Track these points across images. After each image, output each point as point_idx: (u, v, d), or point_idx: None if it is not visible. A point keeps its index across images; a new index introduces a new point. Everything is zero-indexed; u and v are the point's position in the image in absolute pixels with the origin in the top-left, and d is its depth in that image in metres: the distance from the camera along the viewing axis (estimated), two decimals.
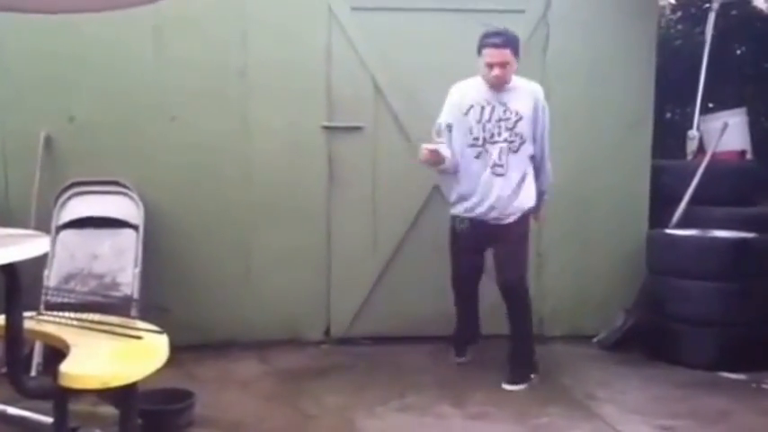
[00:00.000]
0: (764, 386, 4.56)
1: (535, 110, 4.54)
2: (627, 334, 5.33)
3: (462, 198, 4.65)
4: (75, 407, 3.09)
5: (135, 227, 4.74)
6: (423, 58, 5.29)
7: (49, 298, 4.01)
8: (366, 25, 5.23)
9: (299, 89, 5.20)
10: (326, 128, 5.23)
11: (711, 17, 6.08)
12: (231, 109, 5.14)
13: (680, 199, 5.44)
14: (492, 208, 4.53)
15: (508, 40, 4.41)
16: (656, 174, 5.67)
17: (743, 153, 5.95)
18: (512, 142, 4.51)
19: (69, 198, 4.78)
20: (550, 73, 5.45)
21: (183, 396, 3.81)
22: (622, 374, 4.83)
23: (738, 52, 7.35)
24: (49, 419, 3.14)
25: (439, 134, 4.64)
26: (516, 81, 4.56)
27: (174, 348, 2.79)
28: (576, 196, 5.54)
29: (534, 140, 4.59)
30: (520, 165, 4.55)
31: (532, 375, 4.59)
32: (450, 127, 4.62)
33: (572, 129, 5.49)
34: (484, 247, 4.67)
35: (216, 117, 5.12)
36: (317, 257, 5.31)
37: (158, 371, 2.61)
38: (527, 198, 4.59)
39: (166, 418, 3.68)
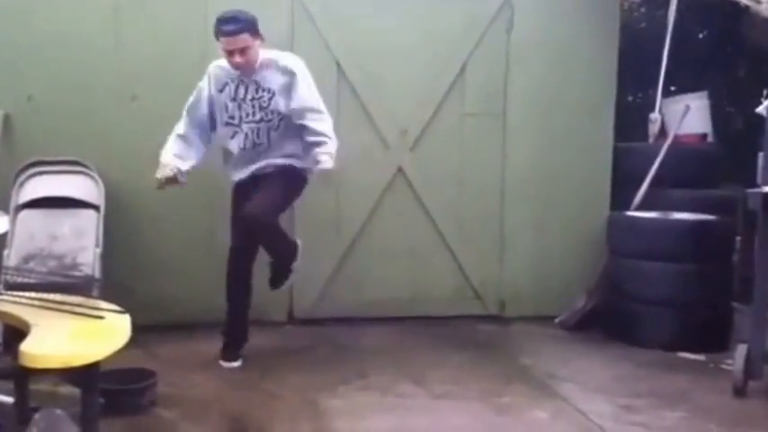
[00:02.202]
0: (723, 366, 4.63)
1: (288, 84, 4.34)
2: (588, 315, 5.40)
3: (231, 170, 4.57)
4: (36, 387, 3.06)
5: (96, 207, 4.69)
6: (386, 41, 5.29)
7: (8, 278, 3.96)
8: (330, 8, 5.20)
9: None
10: None
11: (674, 1, 6.12)
12: (193, 86, 5.06)
13: (641, 181, 5.49)
14: (256, 170, 4.47)
15: (242, 26, 4.20)
16: (618, 156, 5.73)
17: (704, 136, 6.02)
18: (269, 121, 4.39)
19: (29, 177, 4.71)
20: (514, 55, 5.49)
21: (146, 376, 3.80)
22: (584, 354, 4.88)
23: (700, 36, 7.41)
24: (9, 399, 3.12)
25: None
26: (269, 56, 4.37)
27: (137, 328, 2.75)
28: (537, 178, 5.59)
29: (296, 113, 4.40)
30: (282, 141, 4.43)
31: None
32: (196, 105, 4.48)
33: (534, 111, 5.55)
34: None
35: (177, 96, 5.02)
36: None
37: (120, 351, 2.58)
38: (297, 161, 4.50)
39: (128, 397, 3.66)
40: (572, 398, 4.04)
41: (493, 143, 5.53)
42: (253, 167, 4.47)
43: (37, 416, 2.63)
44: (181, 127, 4.46)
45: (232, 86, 4.39)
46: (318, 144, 4.36)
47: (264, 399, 3.95)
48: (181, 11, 5.06)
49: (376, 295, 5.33)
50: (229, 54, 4.25)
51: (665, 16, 6.19)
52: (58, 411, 2.65)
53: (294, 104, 4.35)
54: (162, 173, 4.29)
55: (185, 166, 4.36)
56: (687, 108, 5.79)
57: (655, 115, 6.09)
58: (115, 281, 4.29)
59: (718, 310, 5.08)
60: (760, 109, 4.29)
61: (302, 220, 5.25)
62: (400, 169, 5.40)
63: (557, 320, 5.49)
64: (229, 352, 4.54)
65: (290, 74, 4.35)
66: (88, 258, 4.52)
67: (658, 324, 5.00)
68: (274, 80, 4.36)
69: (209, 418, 3.69)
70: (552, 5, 5.53)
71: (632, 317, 5.11)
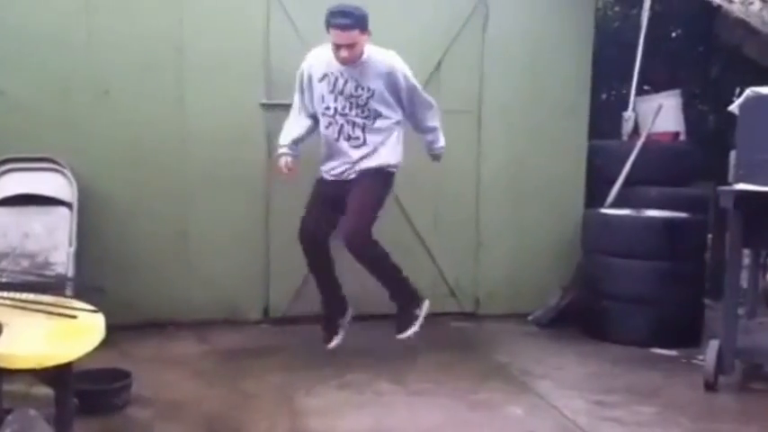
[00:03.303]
0: (695, 362, 4.68)
1: (391, 83, 4.43)
2: (562, 312, 5.42)
3: (324, 160, 4.64)
4: (9, 387, 3.03)
5: (68, 204, 4.63)
6: None
7: None
8: (306, 3, 5.16)
9: (237, 65, 5.13)
10: (265, 105, 5.18)
11: (647, 0, 6.17)
12: (167, 84, 5.03)
13: (615, 179, 5.53)
14: (348, 169, 4.54)
15: (355, 21, 4.23)
16: (592, 154, 5.76)
17: (677, 134, 6.07)
18: (366, 118, 4.46)
19: (0, 175, 4.65)
20: (489, 53, 5.50)
21: (120, 376, 3.78)
22: (558, 351, 4.91)
23: (674, 35, 7.47)
24: None
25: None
26: (369, 53, 4.40)
27: (111, 328, 2.74)
28: (512, 176, 5.62)
29: (402, 108, 4.55)
30: (377, 137, 4.49)
31: (417, 312, 4.65)
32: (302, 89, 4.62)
33: (509, 109, 5.57)
34: (340, 204, 4.52)
35: (151, 91, 5.01)
36: (256, 236, 5.27)
37: (94, 351, 2.57)
38: (387, 155, 4.53)
39: (103, 397, 3.64)
40: (547, 394, 4.07)
41: (468, 140, 5.54)
42: (339, 168, 4.55)
43: (10, 417, 2.61)
44: (292, 110, 4.70)
45: (331, 78, 4.44)
46: (435, 140, 4.80)
47: (240, 398, 3.94)
48: (154, 4, 5.01)
49: (352, 293, 5.30)
50: (336, 47, 4.29)
51: (639, 15, 6.24)
52: (32, 412, 2.64)
53: (405, 102, 4.53)
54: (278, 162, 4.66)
55: (292, 148, 4.63)
56: (660, 107, 5.84)
57: (628, 113, 6.14)
58: (87, 280, 4.26)
59: (690, 307, 5.14)
60: (732, 107, 4.33)
61: (278, 217, 5.23)
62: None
63: (530, 317, 5.51)
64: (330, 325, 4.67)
65: (391, 72, 4.40)
66: (61, 257, 4.47)
67: (632, 321, 5.05)
68: (374, 79, 4.40)
69: (185, 417, 3.67)
70: (527, 4, 5.55)
71: (606, 314, 5.14)
